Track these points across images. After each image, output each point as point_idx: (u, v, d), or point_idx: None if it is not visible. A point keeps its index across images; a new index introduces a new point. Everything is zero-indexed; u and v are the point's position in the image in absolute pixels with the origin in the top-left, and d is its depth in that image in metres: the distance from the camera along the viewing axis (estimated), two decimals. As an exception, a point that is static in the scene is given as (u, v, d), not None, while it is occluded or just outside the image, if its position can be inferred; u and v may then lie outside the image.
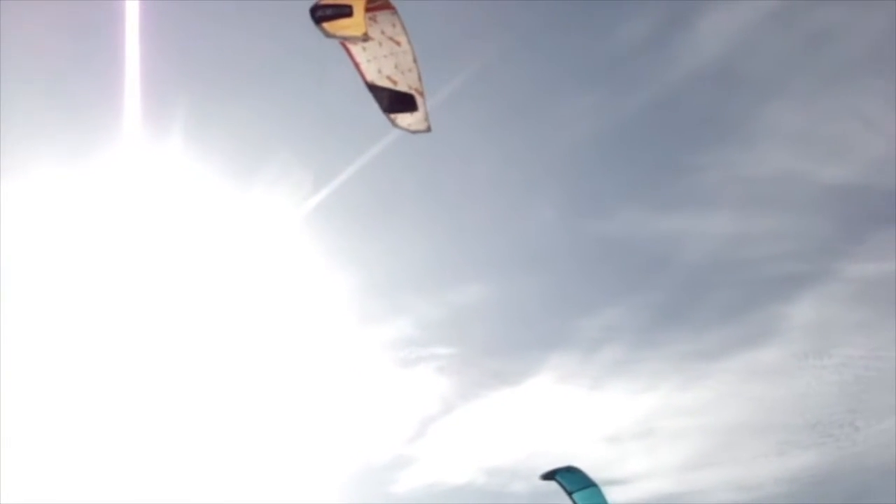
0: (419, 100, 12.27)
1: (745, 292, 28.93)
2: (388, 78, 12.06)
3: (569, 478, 17.34)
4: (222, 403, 25.67)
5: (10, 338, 24.41)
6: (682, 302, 29.18)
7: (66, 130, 24.82)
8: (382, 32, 11.80)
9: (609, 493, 23.86)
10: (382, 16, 11.66)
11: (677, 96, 28.27)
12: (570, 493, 17.31)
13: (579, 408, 27.78)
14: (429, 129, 12.57)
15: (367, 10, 11.32)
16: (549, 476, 17.39)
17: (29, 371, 24.78)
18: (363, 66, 12.00)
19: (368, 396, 27.43)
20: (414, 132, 12.60)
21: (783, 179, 28.20)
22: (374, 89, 12.17)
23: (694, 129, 28.90)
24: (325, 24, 11.09)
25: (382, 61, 12.00)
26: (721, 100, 28.54)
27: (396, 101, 12.28)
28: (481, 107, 27.62)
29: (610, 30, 27.83)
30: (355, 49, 11.86)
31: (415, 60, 12.06)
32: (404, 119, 12.45)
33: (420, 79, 12.18)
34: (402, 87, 12.16)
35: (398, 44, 11.93)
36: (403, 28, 11.85)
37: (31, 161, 24.79)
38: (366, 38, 11.26)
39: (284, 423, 26.10)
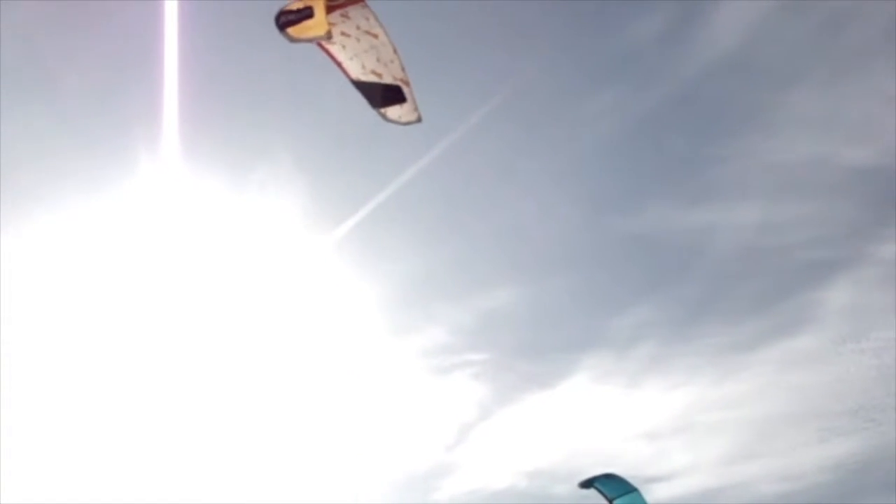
0: (406, 90, 12.23)
1: (777, 281, 28.80)
2: (373, 72, 12.06)
3: (608, 485, 17.30)
4: (264, 418, 25.88)
5: (40, 354, 24.89)
6: (715, 294, 29.05)
7: (99, 154, 25.13)
8: (358, 27, 11.79)
9: (651, 490, 23.79)
10: (354, 11, 11.66)
11: (697, 89, 28.20)
12: (610, 501, 17.27)
13: (616, 406, 27.75)
14: (419, 119, 12.49)
15: (338, 6, 11.45)
16: (588, 484, 17.37)
17: (56, 387, 25.11)
18: (345, 65, 12.02)
19: (406, 406, 27.55)
20: (405, 124, 12.53)
21: (808, 165, 28.04)
22: (360, 86, 12.18)
23: (716, 120, 28.80)
24: (290, 30, 11.19)
25: (363, 56, 11.97)
26: (741, 89, 28.42)
27: (384, 95, 12.24)
28: (499, 113, 27.71)
29: (624, 27, 27.81)
30: (335, 49, 11.88)
31: (395, 51, 12.00)
32: (394, 112, 12.40)
33: (403, 68, 12.13)
34: (387, 80, 12.12)
35: (376, 37, 11.89)
36: (377, 20, 11.82)
37: (64, 185, 25.15)
38: (329, 36, 11.24)
39: (326, 436, 26.25)
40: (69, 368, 25.39)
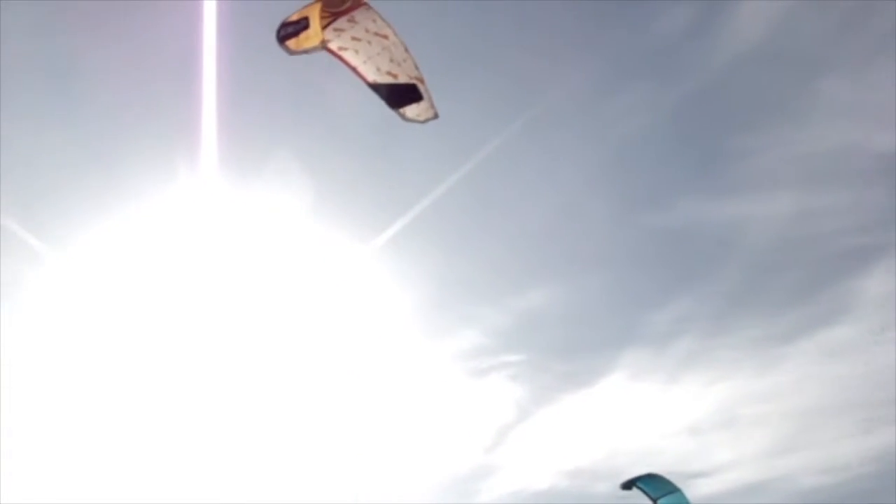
0: (421, 87, 12.17)
1: (813, 271, 28.57)
2: (388, 73, 12.02)
3: (651, 485, 17.21)
4: (306, 423, 25.99)
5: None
6: (751, 287, 28.83)
7: (145, 167, 25.45)
8: (367, 30, 11.80)
9: (693, 486, 23.65)
10: (360, 14, 11.68)
11: (724, 82, 28.07)
12: (654, 501, 17.21)
13: (656, 402, 27.64)
14: (436, 116, 12.39)
15: (343, 12, 11.49)
16: (630, 485, 17.32)
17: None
18: (361, 69, 11.99)
19: (445, 409, 27.62)
20: (423, 122, 12.42)
21: (840, 153, 27.80)
22: (377, 88, 12.15)
23: (745, 112, 28.64)
24: (288, 42, 11.36)
25: (377, 59, 11.96)
26: (769, 81, 28.23)
27: (401, 95, 12.19)
28: (532, 117, 27.76)
29: (650, 23, 27.76)
30: (348, 54, 11.86)
31: (406, 49, 11.99)
32: (412, 111, 12.31)
33: (416, 66, 12.09)
34: (402, 79, 12.08)
35: (386, 37, 11.89)
36: (385, 21, 11.82)
37: (116, 198, 25.51)
38: (323, 46, 11.36)
39: (367, 440, 26.36)
40: (115, 377, 25.75)
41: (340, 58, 11.97)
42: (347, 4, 11.61)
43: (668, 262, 29.92)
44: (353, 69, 12.04)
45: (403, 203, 24.53)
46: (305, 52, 11.56)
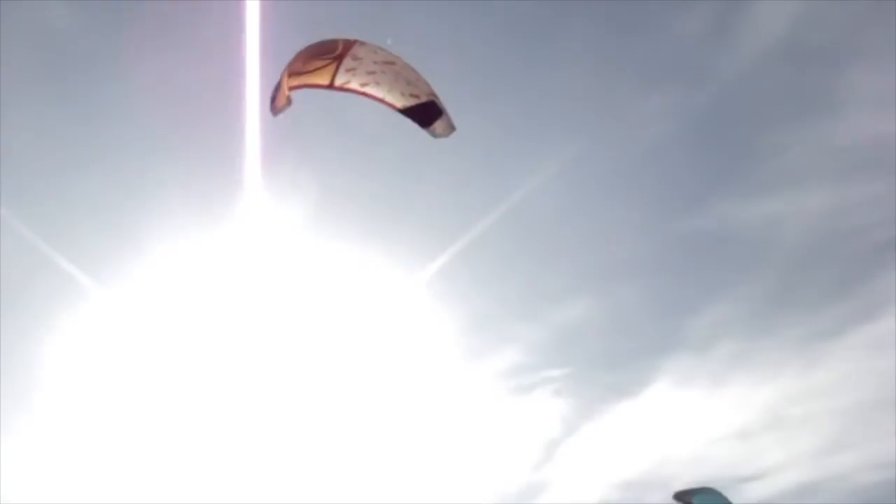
0: (439, 102, 12.17)
1: (854, 264, 28.16)
2: (411, 95, 12.04)
3: (705, 499, 17.07)
4: (351, 455, 26.02)
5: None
6: (791, 284, 28.47)
7: (188, 196, 25.63)
8: (375, 62, 11.87)
9: (745, 490, 23.66)
10: (360, 50, 11.75)
11: (750, 79, 27.72)
12: None
13: (702, 408, 27.38)
14: (454, 128, 12.33)
15: (341, 55, 11.63)
16: (683, 497, 17.14)
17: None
18: (388, 99, 12.06)
19: (490, 429, 27.52)
20: (448, 135, 12.39)
21: (874, 144, 27.30)
22: (408, 112, 12.16)
23: (773, 108, 28.26)
24: (276, 107, 11.50)
25: (395, 85, 12.01)
26: (796, 74, 27.89)
27: (427, 113, 12.19)
28: (552, 125, 27.69)
29: (668, 26, 27.49)
30: (370, 89, 11.97)
31: (414, 70, 12.02)
32: (439, 127, 12.28)
33: (428, 83, 12.10)
34: (423, 98, 12.08)
35: (394, 63, 11.94)
36: (385, 49, 11.88)
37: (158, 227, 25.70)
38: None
39: (414, 468, 26.33)
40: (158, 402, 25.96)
41: (366, 94, 12.07)
42: (339, 49, 11.72)
43: (705, 265, 29.64)
44: (381, 101, 12.11)
45: (446, 235, 24.53)
46: (280, 110, 11.63)
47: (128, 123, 25.90)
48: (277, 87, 11.55)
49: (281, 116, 11.56)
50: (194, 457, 25.33)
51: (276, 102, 11.51)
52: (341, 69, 11.78)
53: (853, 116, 27.60)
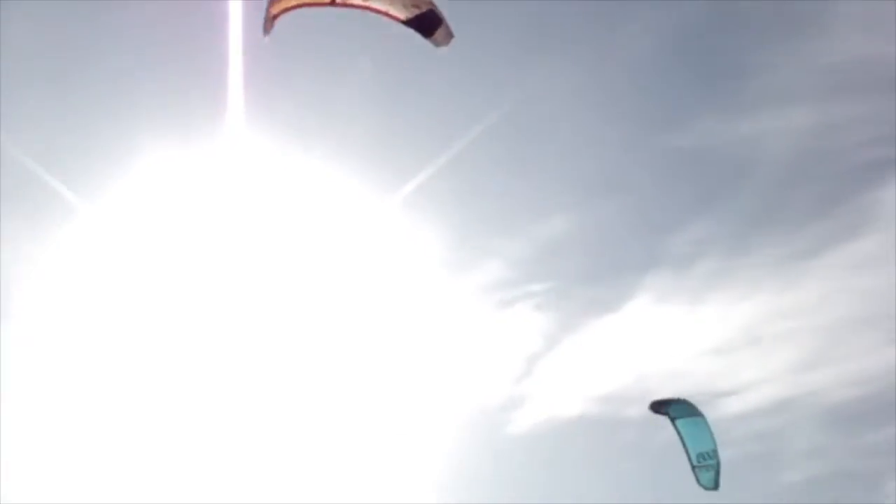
0: (438, 11, 11.88)
1: (835, 184, 28.36)
2: (413, 5, 11.77)
3: (679, 410, 17.22)
4: (333, 365, 25.91)
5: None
6: (772, 203, 28.56)
7: (171, 115, 25.23)
8: None
9: (722, 405, 23.89)
10: None
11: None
12: (673, 420, 17.17)
13: (682, 324, 27.56)
14: (453, 36, 12.06)
15: None
16: (658, 407, 17.29)
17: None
18: (391, 12, 11.81)
19: (472, 342, 27.51)
20: (448, 44, 12.15)
21: (859, 63, 27.24)
22: (411, 23, 11.91)
23: (758, 26, 28.14)
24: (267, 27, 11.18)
25: None
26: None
27: (429, 22, 11.92)
28: (535, 42, 27.40)
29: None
30: (373, 3, 11.68)
31: None
32: (440, 35, 12.02)
33: None
34: (424, 7, 11.80)
35: None
36: None
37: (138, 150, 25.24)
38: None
39: (395, 379, 26.28)
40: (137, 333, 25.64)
41: (369, 8, 11.83)
42: None
43: (687, 182, 29.69)
44: (384, 13, 11.87)
45: (428, 151, 24.23)
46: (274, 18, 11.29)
47: (113, 42, 25.68)
48: (271, 4, 11.19)
49: (268, 37, 11.28)
50: (173, 381, 25.11)
51: (268, 23, 11.17)
52: None
53: (839, 35, 27.51)
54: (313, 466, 24.33)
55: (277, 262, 25.28)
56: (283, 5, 11.26)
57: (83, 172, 25.06)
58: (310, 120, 25.29)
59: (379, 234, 25.62)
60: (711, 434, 17.17)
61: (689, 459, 16.96)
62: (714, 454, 17.00)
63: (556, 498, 25.12)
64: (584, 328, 27.99)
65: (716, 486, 17.10)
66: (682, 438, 17.02)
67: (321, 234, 25.63)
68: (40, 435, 24.15)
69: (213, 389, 24.21)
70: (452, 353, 27.01)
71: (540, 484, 25.65)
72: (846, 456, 26.27)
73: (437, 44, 12.18)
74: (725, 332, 27.53)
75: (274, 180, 24.33)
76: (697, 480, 17.04)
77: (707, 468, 16.96)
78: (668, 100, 29.45)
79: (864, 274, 27.44)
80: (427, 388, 26.51)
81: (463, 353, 27.16)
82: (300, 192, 25.28)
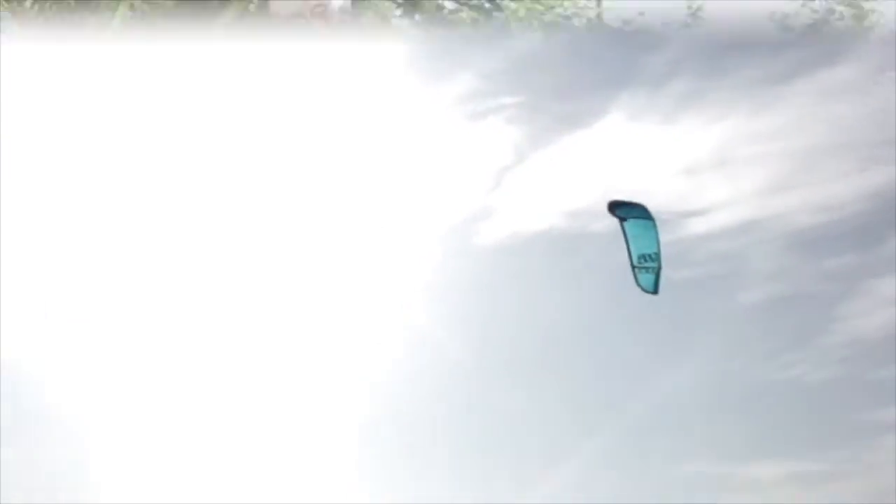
0: None
1: (816, 5, 28.01)
2: None
3: (630, 211, 17.49)
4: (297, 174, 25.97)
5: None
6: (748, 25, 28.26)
7: None
8: None
9: (687, 224, 24.38)
10: None
11: None
12: (622, 220, 17.44)
13: (653, 143, 27.50)
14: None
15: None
16: (613, 210, 17.55)
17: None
18: None
19: (441, 154, 27.46)
20: None
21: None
22: None
23: None
24: None
25: None
26: None
27: None
28: None
29: None
30: None
31: None
32: None
33: None
34: None
35: None
36: None
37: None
38: None
39: (363, 189, 26.40)
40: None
41: None
42: None
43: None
44: None
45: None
46: None
47: None
48: None
49: None
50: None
51: None
52: None
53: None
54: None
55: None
56: None
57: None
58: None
59: (347, 40, 25.37)
60: (657, 239, 17.62)
61: (630, 260, 17.42)
62: (656, 257, 17.48)
63: (524, 308, 25.84)
64: (555, 143, 27.90)
65: (655, 290, 17.64)
66: (626, 239, 17.44)
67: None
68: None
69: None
70: (418, 164, 27.07)
71: (508, 294, 26.18)
72: (806, 279, 26.84)
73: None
74: (696, 153, 27.56)
75: None
76: (637, 282, 17.56)
77: (647, 269, 17.48)
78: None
79: (837, 102, 27.30)
80: (396, 201, 26.65)
81: (429, 163, 27.22)
82: None
